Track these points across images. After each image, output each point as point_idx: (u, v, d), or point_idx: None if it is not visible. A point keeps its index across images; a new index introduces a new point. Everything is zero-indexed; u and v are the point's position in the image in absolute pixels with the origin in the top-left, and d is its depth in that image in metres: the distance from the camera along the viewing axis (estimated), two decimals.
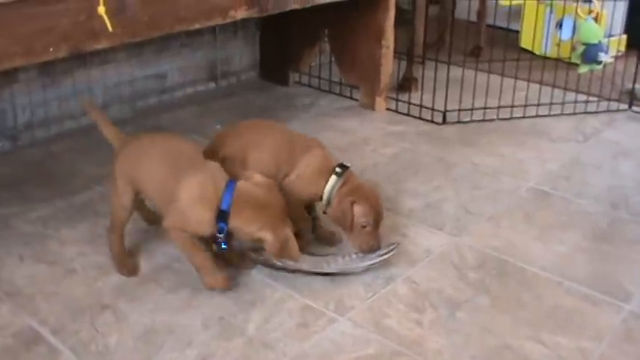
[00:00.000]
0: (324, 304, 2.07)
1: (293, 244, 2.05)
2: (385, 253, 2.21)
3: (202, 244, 2.10)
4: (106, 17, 2.16)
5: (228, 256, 2.23)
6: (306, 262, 2.16)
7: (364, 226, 2.19)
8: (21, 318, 1.98)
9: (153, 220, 2.38)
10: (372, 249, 2.20)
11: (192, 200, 2.01)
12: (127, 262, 2.21)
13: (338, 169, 2.25)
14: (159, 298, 2.08)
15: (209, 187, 2.02)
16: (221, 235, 2.02)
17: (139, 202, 2.26)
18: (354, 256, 2.21)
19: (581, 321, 2.04)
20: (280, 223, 2.03)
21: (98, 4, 2.13)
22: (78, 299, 2.07)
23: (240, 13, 2.61)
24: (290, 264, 2.14)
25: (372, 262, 2.20)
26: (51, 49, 2.11)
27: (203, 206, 2.01)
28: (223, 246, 2.05)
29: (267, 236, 2.01)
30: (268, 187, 2.09)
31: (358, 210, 2.19)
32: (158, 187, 2.08)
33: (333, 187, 2.23)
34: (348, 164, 2.28)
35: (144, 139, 2.20)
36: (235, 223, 2.01)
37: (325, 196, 2.24)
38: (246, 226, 2.02)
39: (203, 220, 2.01)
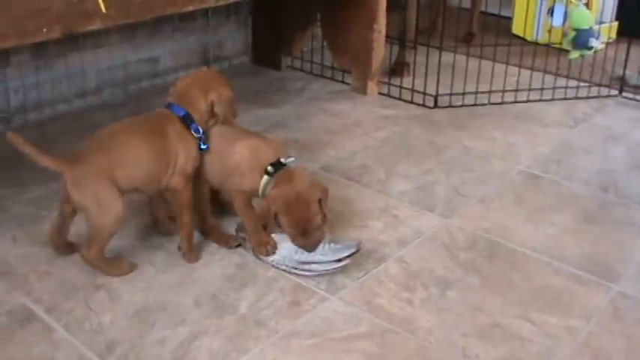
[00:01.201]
0: (315, 284, 2.09)
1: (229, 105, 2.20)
2: (347, 257, 2.11)
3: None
4: None
5: (214, 236, 2.27)
6: (284, 249, 2.16)
7: (291, 233, 2.10)
8: (15, 297, 2.00)
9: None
10: (305, 249, 2.11)
11: (178, 144, 2.13)
12: (117, 263, 2.13)
13: (270, 168, 2.12)
14: (151, 277, 2.10)
15: (181, 126, 2.15)
16: (198, 136, 2.16)
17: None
18: (326, 246, 2.14)
19: (569, 301, 2.06)
20: (218, 87, 2.19)
21: None
22: (71, 279, 2.09)
23: None
24: (266, 259, 2.16)
25: (335, 265, 2.11)
26: (44, 30, 2.11)
27: (187, 138, 2.15)
28: (203, 147, 2.17)
29: (212, 96, 2.17)
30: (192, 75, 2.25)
31: (281, 220, 2.09)
32: (146, 161, 2.08)
33: (265, 187, 2.12)
34: (287, 160, 2.15)
35: (98, 137, 2.10)
36: (190, 110, 2.16)
37: (260, 195, 2.14)
38: (196, 105, 2.16)
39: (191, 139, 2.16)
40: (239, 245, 2.24)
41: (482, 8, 4.28)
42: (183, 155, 2.13)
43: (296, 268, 2.12)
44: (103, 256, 2.08)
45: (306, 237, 2.10)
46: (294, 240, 2.12)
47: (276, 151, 2.17)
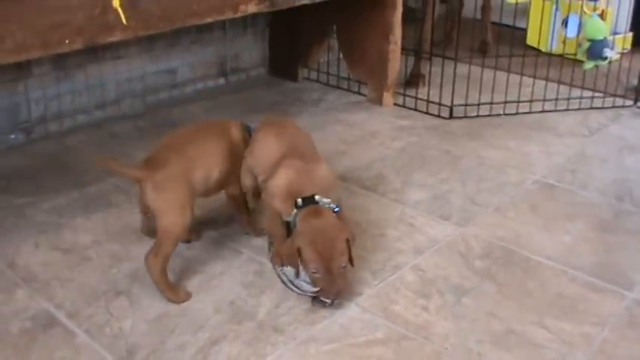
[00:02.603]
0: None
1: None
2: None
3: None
4: (120, 10, 2.21)
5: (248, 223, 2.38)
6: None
7: (314, 273, 1.99)
8: (37, 302, 2.04)
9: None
10: (327, 295, 2.00)
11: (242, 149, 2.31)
12: (175, 288, 2.09)
13: (299, 202, 2.07)
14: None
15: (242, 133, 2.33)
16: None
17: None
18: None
19: (584, 308, 2.07)
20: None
21: None
22: (93, 285, 2.12)
23: (251, 8, 2.66)
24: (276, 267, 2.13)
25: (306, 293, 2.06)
26: (67, 42, 2.16)
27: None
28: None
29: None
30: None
31: (305, 255, 1.98)
32: (221, 161, 2.21)
33: (294, 220, 2.08)
34: (322, 199, 2.08)
35: (168, 141, 2.19)
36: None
37: (291, 225, 2.10)
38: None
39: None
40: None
41: (497, 20, 4.31)
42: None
43: (292, 282, 2.07)
44: (166, 272, 2.04)
45: (331, 278, 1.98)
46: (317, 282, 1.99)
47: (314, 185, 2.11)
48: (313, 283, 2.01)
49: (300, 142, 2.28)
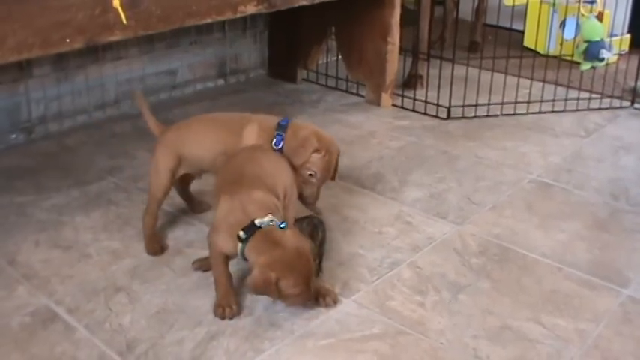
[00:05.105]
0: (329, 287, 2.13)
1: None
2: None
3: None
4: (120, 10, 2.23)
5: None
6: None
7: (297, 295, 1.93)
8: (38, 298, 2.06)
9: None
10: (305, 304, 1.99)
11: None
12: (152, 243, 2.31)
13: (242, 234, 1.91)
14: (170, 280, 2.15)
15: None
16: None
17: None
18: None
19: (579, 304, 2.09)
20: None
21: None
22: (92, 281, 2.14)
23: (250, 9, 2.68)
24: None
25: None
26: (67, 41, 2.18)
27: None
28: None
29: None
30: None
31: (285, 284, 1.89)
32: (208, 149, 2.30)
33: (242, 252, 1.93)
34: (263, 220, 1.92)
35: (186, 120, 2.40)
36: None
37: (238, 258, 1.97)
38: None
39: None
40: None
41: (494, 22, 4.33)
42: None
43: None
44: (150, 226, 2.32)
45: (310, 291, 1.95)
46: (298, 298, 1.94)
47: (250, 211, 1.95)
48: (291, 302, 1.97)
49: (248, 172, 2.09)
